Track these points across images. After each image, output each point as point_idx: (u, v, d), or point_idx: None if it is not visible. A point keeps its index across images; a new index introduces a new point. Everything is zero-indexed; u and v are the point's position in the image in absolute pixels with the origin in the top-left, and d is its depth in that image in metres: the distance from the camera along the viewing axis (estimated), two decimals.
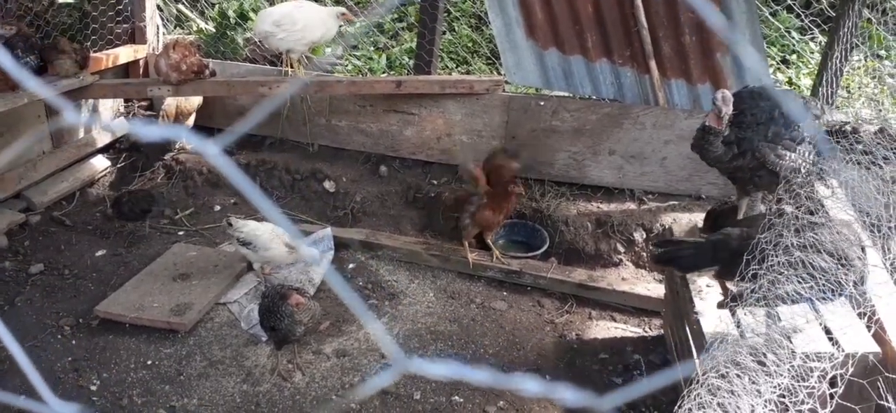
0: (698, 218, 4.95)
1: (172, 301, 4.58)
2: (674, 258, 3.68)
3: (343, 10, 5.70)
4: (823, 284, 2.91)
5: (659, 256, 3.90)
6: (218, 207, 5.98)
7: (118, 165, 6.36)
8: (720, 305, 3.47)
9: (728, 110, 3.49)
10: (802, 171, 3.29)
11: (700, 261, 3.52)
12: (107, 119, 6.54)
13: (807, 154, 3.51)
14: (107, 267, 5.14)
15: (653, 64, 5.40)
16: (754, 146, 3.51)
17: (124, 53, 6.28)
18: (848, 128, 3.27)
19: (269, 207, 0.75)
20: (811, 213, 2.90)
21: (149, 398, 3.91)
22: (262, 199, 0.75)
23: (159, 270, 4.92)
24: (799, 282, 3.19)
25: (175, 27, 7.50)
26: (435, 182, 5.93)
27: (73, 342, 4.37)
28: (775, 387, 2.61)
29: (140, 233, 5.54)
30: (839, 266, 2.93)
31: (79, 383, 4.01)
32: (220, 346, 4.35)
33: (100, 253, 5.30)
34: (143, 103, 6.89)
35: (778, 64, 6.60)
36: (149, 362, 4.20)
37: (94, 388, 4.00)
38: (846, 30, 4.66)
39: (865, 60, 5.91)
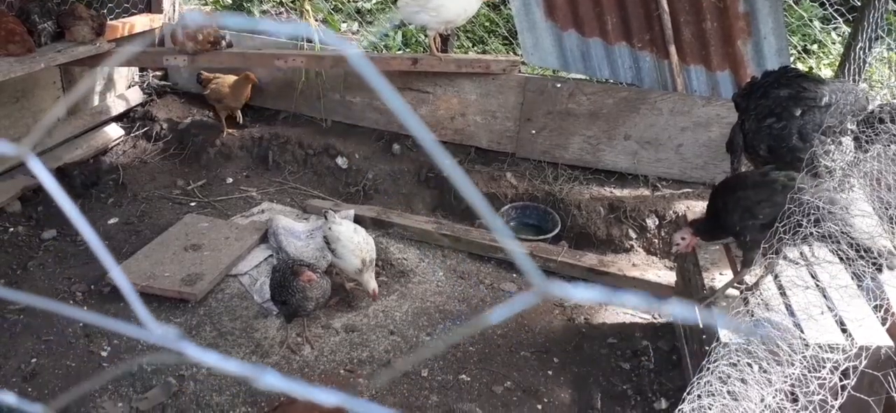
0: None
1: (183, 271, 4.59)
2: None
3: None
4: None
5: None
6: (230, 180, 5.99)
7: (132, 134, 6.37)
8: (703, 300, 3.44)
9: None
10: (837, 171, 3.18)
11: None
12: (121, 88, 6.55)
13: (846, 149, 3.35)
14: (119, 235, 5.17)
15: (672, 49, 5.34)
16: (809, 136, 3.33)
17: (140, 22, 6.27)
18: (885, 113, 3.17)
19: (433, 143, 0.67)
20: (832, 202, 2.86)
21: (158, 366, 3.93)
22: (423, 131, 0.68)
23: (171, 240, 4.94)
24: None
25: None
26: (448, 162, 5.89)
27: (85, 308, 4.40)
28: (786, 377, 2.60)
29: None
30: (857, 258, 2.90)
31: (90, 349, 4.04)
32: (230, 317, 4.37)
33: (112, 221, 5.33)
34: (158, 73, 6.90)
35: (799, 53, 6.50)
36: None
37: (104, 353, 4.03)
38: (872, 20, 4.58)
39: (888, 52, 5.82)
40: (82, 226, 0.75)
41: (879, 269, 2.95)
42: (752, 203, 3.18)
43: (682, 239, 3.61)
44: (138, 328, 0.77)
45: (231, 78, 6.08)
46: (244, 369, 0.72)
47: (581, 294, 0.65)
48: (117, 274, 0.78)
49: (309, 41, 6.04)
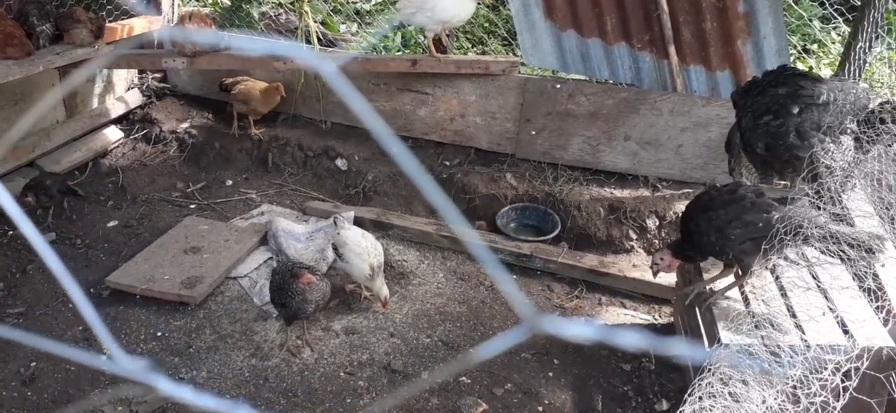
0: None
1: (183, 274, 4.59)
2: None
3: None
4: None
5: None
6: (230, 182, 5.98)
7: (131, 136, 6.37)
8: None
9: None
10: (838, 170, 3.17)
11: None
12: (120, 90, 6.54)
13: (847, 149, 3.34)
14: (118, 238, 5.16)
15: (672, 49, 5.33)
16: (806, 134, 3.33)
17: (139, 24, 6.26)
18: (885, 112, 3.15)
19: (407, 158, 0.67)
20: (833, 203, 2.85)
21: (158, 370, 3.91)
22: (407, 157, 0.68)
23: (170, 243, 4.93)
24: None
25: None
26: (448, 163, 5.90)
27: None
28: (788, 378, 2.59)
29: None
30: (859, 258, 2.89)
31: (89, 352, 4.03)
32: (230, 320, 4.36)
33: (112, 223, 5.32)
34: (157, 75, 6.89)
35: (799, 53, 6.50)
36: (159, 334, 4.22)
37: (103, 357, 4.02)
38: (872, 19, 4.57)
39: (888, 52, 5.81)
40: (50, 257, 0.74)
41: (870, 252, 2.91)
42: (723, 223, 3.15)
43: (661, 260, 3.58)
44: (108, 361, 0.76)
45: (262, 83, 6.06)
46: (219, 405, 0.72)
47: (574, 331, 0.63)
48: (84, 305, 0.77)
49: (307, 42, 6.03)
